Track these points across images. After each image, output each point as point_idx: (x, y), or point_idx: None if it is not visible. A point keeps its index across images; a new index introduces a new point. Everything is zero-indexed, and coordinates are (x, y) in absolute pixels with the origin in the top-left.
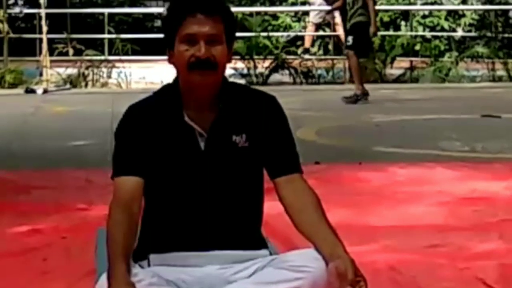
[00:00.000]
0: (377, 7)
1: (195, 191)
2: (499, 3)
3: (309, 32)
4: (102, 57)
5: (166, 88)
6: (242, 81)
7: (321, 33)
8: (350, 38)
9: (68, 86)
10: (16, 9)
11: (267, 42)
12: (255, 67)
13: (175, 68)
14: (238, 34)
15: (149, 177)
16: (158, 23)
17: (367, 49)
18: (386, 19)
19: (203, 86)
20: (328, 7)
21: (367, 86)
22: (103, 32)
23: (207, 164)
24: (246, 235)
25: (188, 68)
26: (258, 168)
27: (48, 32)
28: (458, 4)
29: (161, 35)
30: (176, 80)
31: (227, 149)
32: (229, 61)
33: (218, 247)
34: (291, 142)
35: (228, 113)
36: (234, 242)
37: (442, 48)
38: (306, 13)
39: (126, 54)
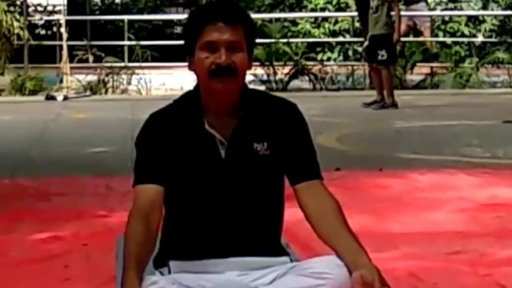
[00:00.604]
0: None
1: (215, 199)
2: None
3: None
4: (122, 64)
5: (186, 95)
6: (262, 88)
7: (341, 39)
8: (383, 52)
9: (88, 93)
10: (36, 16)
11: (287, 49)
12: (275, 73)
13: (195, 75)
14: (257, 40)
15: (169, 185)
16: (177, 29)
17: (396, 57)
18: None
19: (224, 93)
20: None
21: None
22: (123, 39)
23: (227, 172)
24: (266, 242)
25: (208, 75)
26: (278, 175)
27: (68, 39)
28: (479, 9)
29: (180, 42)
30: (196, 87)
31: (248, 157)
32: (250, 68)
33: (238, 254)
34: (312, 149)
35: (249, 120)
36: (254, 250)
37: (463, 54)
38: (326, 19)
39: (146, 60)
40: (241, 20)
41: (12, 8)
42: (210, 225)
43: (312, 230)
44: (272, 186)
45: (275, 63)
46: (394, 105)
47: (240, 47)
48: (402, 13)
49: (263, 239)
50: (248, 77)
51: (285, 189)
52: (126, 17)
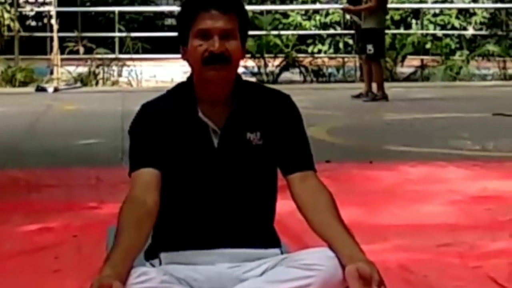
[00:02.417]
0: (388, 5)
1: (207, 189)
2: (510, 1)
3: None
4: (113, 56)
5: (180, 85)
6: (252, 80)
7: (331, 31)
8: (370, 47)
9: (78, 84)
10: (27, 8)
11: (278, 41)
12: (266, 65)
13: (189, 64)
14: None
15: (163, 172)
16: (168, 21)
17: (383, 51)
18: (396, 17)
19: (217, 81)
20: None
21: None
22: (113, 31)
23: (220, 161)
24: (258, 233)
25: (202, 63)
26: (271, 166)
27: (59, 31)
28: (469, 2)
29: (171, 34)
30: (190, 78)
31: (241, 147)
32: (243, 57)
33: (230, 245)
34: (305, 140)
35: (243, 110)
36: (246, 240)
37: (453, 46)
38: (317, 11)
39: (137, 52)
40: (234, 8)
41: (2, 0)
42: (201, 215)
43: (304, 221)
44: (265, 176)
45: (266, 55)
46: (385, 97)
47: (233, 35)
48: (393, 5)
49: (255, 229)
50: (239, 69)
51: (278, 180)
52: (117, 9)
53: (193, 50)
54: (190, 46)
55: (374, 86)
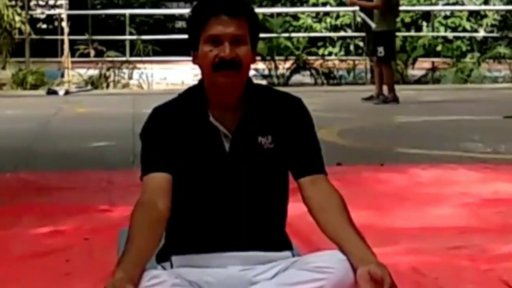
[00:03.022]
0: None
1: (219, 193)
2: None
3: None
4: (124, 58)
5: (191, 89)
6: (263, 82)
7: (342, 34)
8: (381, 49)
9: (89, 87)
10: (38, 11)
11: (288, 43)
12: (276, 68)
13: (199, 69)
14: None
15: (174, 177)
16: (179, 24)
17: (394, 54)
18: (407, 19)
19: (228, 86)
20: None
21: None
22: (124, 34)
23: (231, 165)
24: (269, 236)
25: (212, 68)
26: (283, 169)
27: (70, 34)
28: (480, 4)
29: (182, 36)
30: (201, 81)
31: (252, 151)
32: (253, 62)
33: (242, 248)
34: (316, 144)
35: (254, 114)
36: (257, 243)
37: (464, 49)
38: (327, 13)
39: (147, 55)
40: (244, 13)
41: (13, 3)
42: (213, 218)
43: (314, 224)
44: (276, 179)
45: (277, 58)
46: (395, 100)
47: (244, 40)
48: (404, 7)
49: (266, 232)
50: (250, 72)
51: (289, 183)
52: (127, 12)
53: (204, 56)
54: (200, 52)
55: (384, 88)
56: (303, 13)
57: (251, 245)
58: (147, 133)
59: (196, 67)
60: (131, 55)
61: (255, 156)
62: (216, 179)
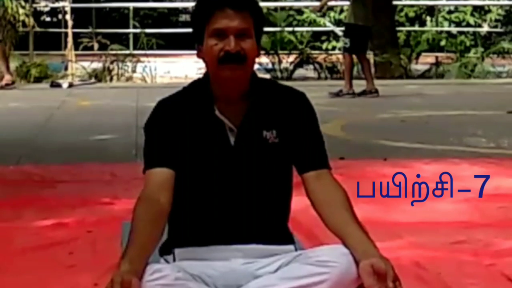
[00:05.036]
0: (402, 2)
1: (223, 186)
2: None
3: None
4: (127, 52)
5: (195, 83)
6: (267, 76)
7: None
8: (347, 41)
9: (93, 80)
10: (42, 3)
11: (292, 37)
12: (280, 62)
13: (204, 62)
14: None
15: (178, 170)
16: (183, 17)
17: (365, 47)
18: (411, 14)
19: (233, 80)
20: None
21: (392, 82)
22: (128, 27)
23: (236, 159)
24: (273, 230)
25: (217, 62)
26: (287, 164)
27: (73, 27)
28: None
29: (186, 30)
30: (206, 75)
31: (257, 145)
32: (258, 55)
33: (245, 242)
34: (320, 138)
35: (258, 108)
36: (260, 237)
37: (468, 43)
38: (331, 8)
39: (151, 48)
40: (249, 7)
41: None
42: (216, 211)
43: (317, 218)
44: (281, 173)
45: (280, 52)
46: (351, 93)
47: (248, 34)
48: (410, 2)
49: (270, 226)
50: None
51: (293, 177)
52: (131, 5)
53: (209, 49)
54: (205, 45)
55: (353, 82)
56: (306, 7)
57: (254, 239)
58: (151, 126)
59: (200, 60)
60: (134, 49)
61: (260, 150)
62: (221, 172)
